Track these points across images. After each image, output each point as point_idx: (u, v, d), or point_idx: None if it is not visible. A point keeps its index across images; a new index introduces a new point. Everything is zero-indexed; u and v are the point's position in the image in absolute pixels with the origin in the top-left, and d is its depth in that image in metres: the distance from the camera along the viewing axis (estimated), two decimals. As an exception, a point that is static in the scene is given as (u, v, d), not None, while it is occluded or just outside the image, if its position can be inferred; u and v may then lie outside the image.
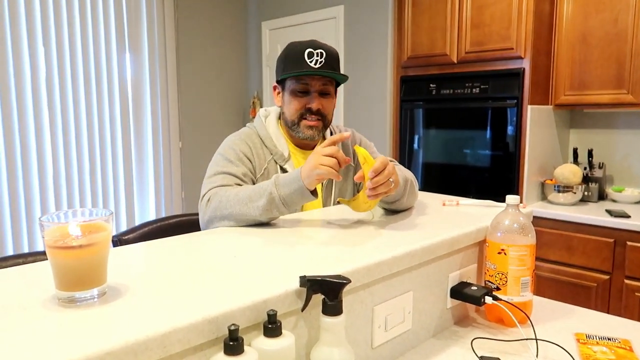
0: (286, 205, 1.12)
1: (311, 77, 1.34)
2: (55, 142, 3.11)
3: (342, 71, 3.51)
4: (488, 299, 1.07)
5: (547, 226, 2.52)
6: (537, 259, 2.55)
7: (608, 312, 2.33)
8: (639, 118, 2.71)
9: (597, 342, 1.03)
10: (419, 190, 1.48)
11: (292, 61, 1.34)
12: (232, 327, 0.64)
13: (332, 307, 0.74)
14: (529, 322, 1.12)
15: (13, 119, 2.92)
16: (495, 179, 2.73)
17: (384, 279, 0.94)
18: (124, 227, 3.42)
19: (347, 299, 0.87)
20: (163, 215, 3.63)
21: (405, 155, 3.13)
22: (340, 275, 0.75)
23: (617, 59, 2.48)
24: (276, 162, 1.40)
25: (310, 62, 1.31)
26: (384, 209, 1.34)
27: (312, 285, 0.74)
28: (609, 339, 1.05)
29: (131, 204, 3.50)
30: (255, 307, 0.70)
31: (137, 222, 3.45)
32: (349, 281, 0.74)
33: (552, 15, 2.67)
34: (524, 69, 2.57)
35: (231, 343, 0.64)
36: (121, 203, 3.46)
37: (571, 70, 2.63)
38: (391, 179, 1.10)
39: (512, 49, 2.59)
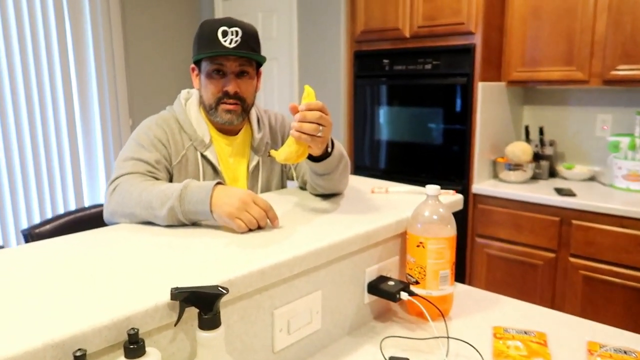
0: (189, 220, 1.04)
1: (226, 58, 1.24)
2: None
3: (296, 45, 3.44)
4: (404, 295, 1.02)
5: (498, 205, 2.51)
6: (488, 237, 2.56)
7: (554, 290, 2.36)
8: (588, 95, 2.70)
9: (513, 337, 1.00)
10: (360, 170, 1.42)
11: (205, 41, 1.24)
12: (78, 353, 0.57)
13: (207, 321, 0.67)
14: (447, 316, 1.09)
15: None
16: (448, 157, 2.69)
17: (285, 281, 0.88)
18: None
19: (240, 304, 0.81)
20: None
21: (360, 133, 3.06)
22: (216, 286, 0.69)
23: (567, 35, 2.44)
24: (196, 149, 1.31)
25: (225, 41, 1.22)
26: (315, 192, 1.29)
27: (184, 297, 0.67)
28: (525, 333, 1.02)
29: (79, 187, 3.36)
30: (115, 326, 0.63)
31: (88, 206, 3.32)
32: (226, 292, 0.68)
33: (505, -11, 2.61)
34: (475, 44, 2.51)
35: (76, 370, 0.57)
36: (69, 186, 3.31)
37: (523, 46, 2.58)
38: (321, 127, 1.03)
39: (463, 23, 2.52)
